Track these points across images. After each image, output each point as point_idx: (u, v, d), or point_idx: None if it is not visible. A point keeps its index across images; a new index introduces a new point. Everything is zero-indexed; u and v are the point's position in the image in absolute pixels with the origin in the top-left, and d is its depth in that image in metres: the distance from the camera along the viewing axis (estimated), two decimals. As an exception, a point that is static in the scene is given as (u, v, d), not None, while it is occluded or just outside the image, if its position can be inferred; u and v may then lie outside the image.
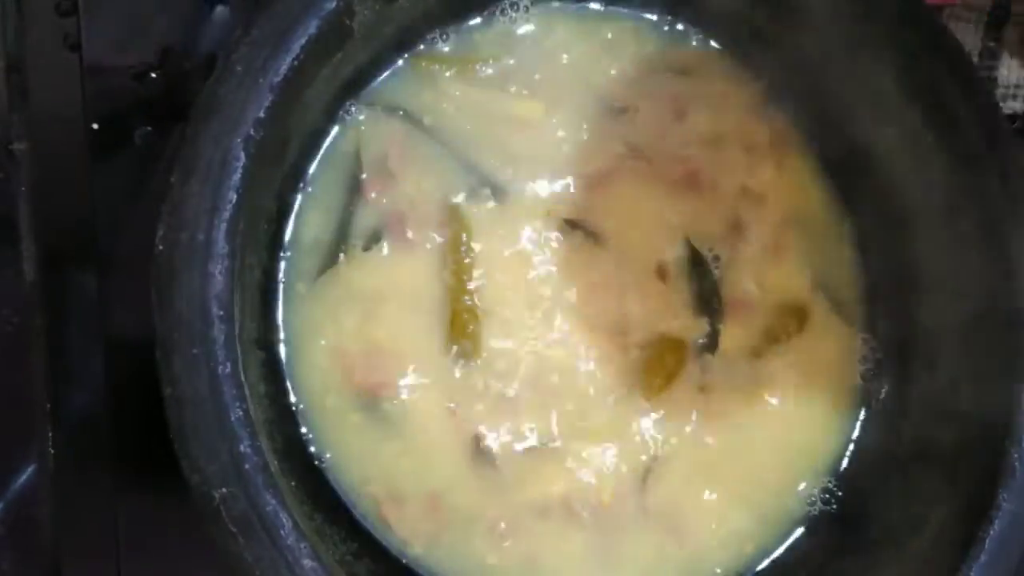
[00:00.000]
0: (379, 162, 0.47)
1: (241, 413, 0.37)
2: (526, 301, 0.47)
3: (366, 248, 0.47)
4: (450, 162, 0.48)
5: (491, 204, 0.47)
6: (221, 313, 0.38)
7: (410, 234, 0.47)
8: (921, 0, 0.44)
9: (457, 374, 0.46)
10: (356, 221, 0.47)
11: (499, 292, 0.47)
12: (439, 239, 0.47)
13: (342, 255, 0.46)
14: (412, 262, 0.47)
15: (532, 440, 0.46)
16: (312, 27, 0.40)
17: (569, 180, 0.48)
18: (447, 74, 0.48)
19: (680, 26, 0.50)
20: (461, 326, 0.46)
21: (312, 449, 0.46)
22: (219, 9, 0.49)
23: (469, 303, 0.46)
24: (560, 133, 0.48)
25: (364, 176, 0.47)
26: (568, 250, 0.48)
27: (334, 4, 0.41)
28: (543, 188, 0.48)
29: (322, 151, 0.48)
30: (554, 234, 0.48)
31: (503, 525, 0.45)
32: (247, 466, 0.37)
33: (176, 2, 0.50)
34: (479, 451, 0.46)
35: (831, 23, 0.45)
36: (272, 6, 0.40)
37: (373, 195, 0.47)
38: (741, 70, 0.50)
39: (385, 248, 0.47)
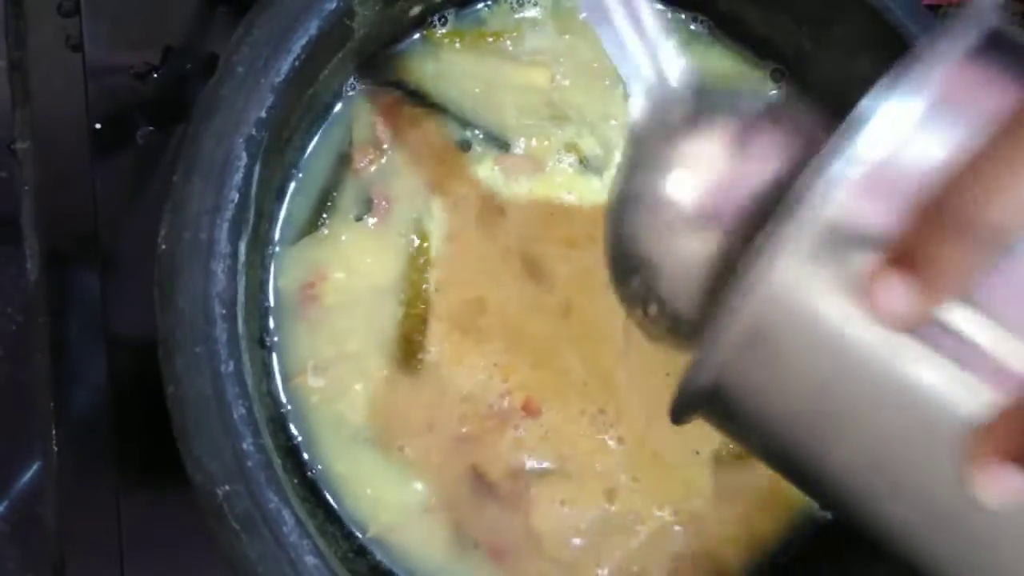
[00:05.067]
0: (368, 131, 0.46)
1: (244, 411, 0.37)
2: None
3: (358, 218, 0.46)
4: (447, 123, 0.47)
5: (494, 153, 0.47)
6: (223, 312, 0.38)
7: (387, 205, 0.46)
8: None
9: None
10: (341, 194, 0.46)
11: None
12: (414, 215, 0.46)
13: (325, 230, 0.46)
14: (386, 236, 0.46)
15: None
16: (313, 27, 0.40)
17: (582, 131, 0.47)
18: (456, 44, 0.47)
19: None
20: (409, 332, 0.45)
21: (305, 456, 0.45)
22: (221, 9, 0.49)
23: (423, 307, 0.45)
24: (575, 97, 0.48)
25: (352, 147, 0.46)
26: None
27: (335, 4, 0.41)
28: (552, 136, 0.47)
29: (317, 137, 0.47)
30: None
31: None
32: (250, 464, 0.37)
33: (178, 2, 0.50)
34: (477, 477, 0.44)
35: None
36: (273, 6, 0.40)
37: (361, 165, 0.46)
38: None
39: (369, 222, 0.46)
